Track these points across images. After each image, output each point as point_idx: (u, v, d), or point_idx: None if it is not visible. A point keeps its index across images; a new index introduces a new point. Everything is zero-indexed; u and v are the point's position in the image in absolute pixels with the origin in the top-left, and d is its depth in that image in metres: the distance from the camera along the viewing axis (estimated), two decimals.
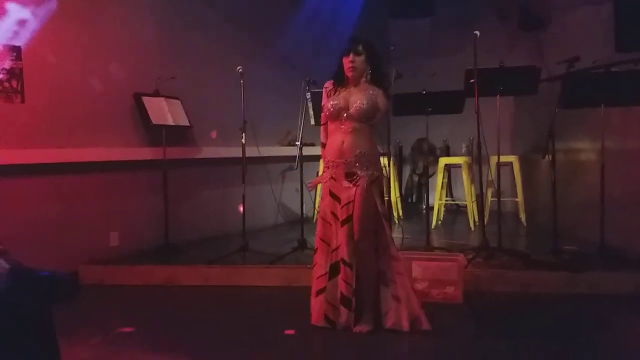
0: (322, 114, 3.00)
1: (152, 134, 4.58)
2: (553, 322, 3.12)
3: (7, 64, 3.75)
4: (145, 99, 4.46)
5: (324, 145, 2.99)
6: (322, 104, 2.99)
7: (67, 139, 4.07)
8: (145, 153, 4.57)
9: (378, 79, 2.95)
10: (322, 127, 3.03)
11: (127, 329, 3.04)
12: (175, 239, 4.58)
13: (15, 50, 3.80)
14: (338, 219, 2.88)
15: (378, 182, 2.91)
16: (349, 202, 2.84)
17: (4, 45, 3.74)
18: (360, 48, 2.86)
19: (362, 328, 2.86)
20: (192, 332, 3.01)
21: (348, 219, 2.84)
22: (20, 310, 1.63)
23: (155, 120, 4.44)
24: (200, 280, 3.98)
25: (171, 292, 3.84)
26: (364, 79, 2.91)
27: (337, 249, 2.89)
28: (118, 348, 2.76)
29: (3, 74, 3.73)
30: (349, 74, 2.89)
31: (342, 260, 2.87)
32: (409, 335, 2.84)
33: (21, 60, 3.82)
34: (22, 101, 3.83)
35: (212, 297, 3.72)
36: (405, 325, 2.82)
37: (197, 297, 3.71)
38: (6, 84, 3.75)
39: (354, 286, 2.87)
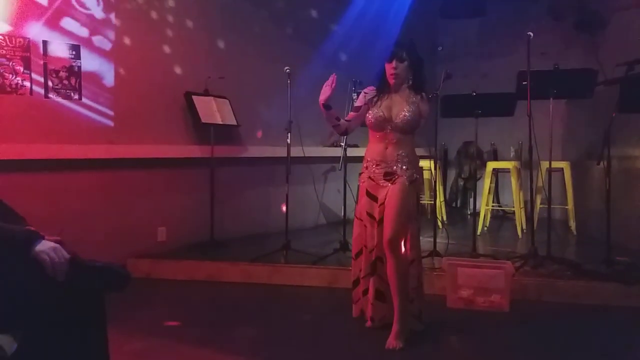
0: (351, 112, 3.06)
1: (201, 132, 4.68)
2: (603, 335, 3.00)
3: (67, 62, 3.91)
4: (195, 98, 4.56)
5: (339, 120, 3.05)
6: (357, 104, 3.02)
7: (120, 136, 4.21)
8: (194, 151, 4.68)
9: (420, 84, 2.92)
10: (349, 115, 3.10)
11: (173, 323, 3.12)
12: (219, 235, 4.66)
13: (75, 49, 3.96)
14: (375, 218, 2.86)
15: (416, 185, 2.89)
16: (385, 202, 2.82)
17: (64, 44, 3.90)
18: (404, 55, 2.85)
19: (394, 344, 2.73)
20: (235, 329, 3.06)
21: (383, 219, 2.82)
22: (77, 298, 1.70)
23: (204, 119, 4.53)
24: (243, 277, 4.03)
25: (215, 287, 3.91)
26: (405, 85, 2.90)
27: (374, 249, 2.87)
28: (164, 341, 2.83)
29: (63, 71, 3.90)
30: (391, 80, 2.88)
31: (378, 257, 2.87)
32: (450, 343, 2.79)
33: (80, 58, 3.98)
34: (80, 98, 3.99)
35: (255, 294, 3.76)
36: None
37: (240, 294, 3.76)
38: (65, 82, 3.91)
39: (386, 281, 2.86)
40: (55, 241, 1.74)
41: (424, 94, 2.90)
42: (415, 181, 2.87)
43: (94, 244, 3.59)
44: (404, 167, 2.82)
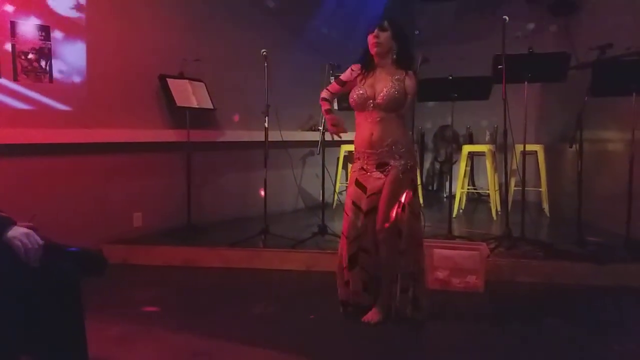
0: (335, 84, 2.97)
1: (176, 116, 4.61)
2: (575, 314, 3.09)
3: (36, 44, 3.80)
4: (170, 81, 4.49)
5: (324, 99, 2.97)
6: (342, 78, 2.92)
7: (92, 120, 4.12)
8: (170, 135, 4.61)
9: (405, 60, 2.82)
10: (331, 85, 3.02)
11: (151, 308, 3.10)
12: (197, 220, 4.63)
13: (44, 30, 3.84)
14: (361, 209, 2.82)
15: (411, 172, 2.81)
16: (375, 193, 2.78)
17: (33, 25, 3.78)
18: (385, 24, 2.75)
19: (372, 317, 2.83)
20: (214, 313, 3.06)
21: (372, 210, 2.79)
22: (52, 284, 1.68)
23: (179, 102, 4.46)
24: (221, 262, 4.02)
25: (193, 273, 3.90)
26: (390, 60, 2.80)
27: (355, 239, 2.83)
28: (143, 327, 2.81)
29: (32, 53, 3.78)
30: (373, 50, 2.77)
31: (361, 248, 2.84)
32: (427, 324, 2.84)
33: (50, 40, 3.86)
34: (50, 81, 3.89)
35: (233, 279, 3.76)
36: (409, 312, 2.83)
37: (218, 279, 3.76)
38: (35, 64, 3.80)
39: (371, 273, 2.87)
40: (28, 227, 1.71)
41: (410, 72, 2.80)
42: (410, 169, 2.80)
43: (69, 229, 3.52)
44: (397, 157, 2.76)
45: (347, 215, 2.87)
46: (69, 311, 1.73)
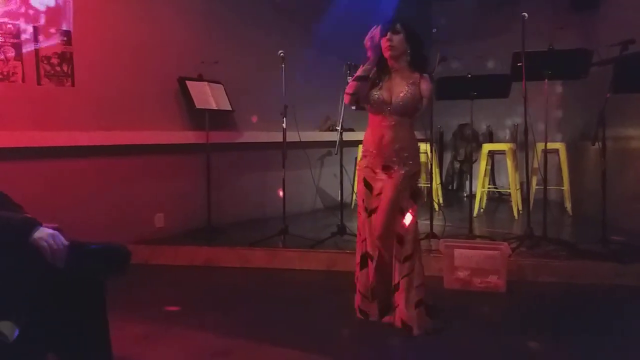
0: (351, 82, 2.76)
1: (195, 118, 4.66)
2: (599, 314, 3.03)
3: (59, 48, 3.87)
4: (189, 83, 4.53)
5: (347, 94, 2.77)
6: (357, 74, 2.77)
7: (113, 122, 4.19)
8: (189, 137, 4.66)
9: (419, 62, 2.80)
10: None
11: (173, 308, 3.14)
12: (217, 221, 4.67)
13: (66, 35, 3.91)
14: (367, 209, 2.82)
15: (413, 179, 2.81)
16: (379, 194, 2.77)
17: (56, 30, 3.86)
18: (398, 26, 2.72)
19: (391, 319, 2.81)
20: (235, 313, 3.08)
21: (374, 211, 2.78)
22: (77, 284, 1.71)
23: (198, 104, 4.50)
24: (241, 262, 4.05)
25: (213, 272, 3.93)
26: (404, 62, 2.78)
27: (363, 241, 2.85)
28: (165, 326, 2.85)
29: (55, 57, 3.86)
30: (387, 54, 2.75)
31: (367, 252, 2.84)
32: (448, 324, 2.82)
33: (71, 44, 3.94)
34: (73, 85, 3.96)
35: (253, 278, 3.78)
36: (398, 323, 2.76)
37: (238, 279, 3.78)
38: (57, 68, 3.88)
39: (374, 278, 2.83)
40: (53, 228, 1.75)
41: (425, 74, 2.78)
42: (413, 176, 2.79)
43: (93, 230, 3.58)
44: (402, 162, 2.74)
45: (360, 214, 2.89)
46: (94, 311, 1.77)
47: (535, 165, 5.08)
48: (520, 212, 5.38)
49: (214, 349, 2.57)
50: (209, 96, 4.63)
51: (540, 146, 4.22)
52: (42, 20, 3.79)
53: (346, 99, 2.78)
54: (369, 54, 2.72)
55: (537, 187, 5.36)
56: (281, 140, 4.38)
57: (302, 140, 4.68)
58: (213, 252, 4.14)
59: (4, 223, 1.72)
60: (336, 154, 4.46)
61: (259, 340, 2.65)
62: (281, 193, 4.45)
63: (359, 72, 2.74)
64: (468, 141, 6.65)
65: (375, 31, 2.69)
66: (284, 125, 4.36)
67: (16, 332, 1.64)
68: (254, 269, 3.98)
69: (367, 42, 2.70)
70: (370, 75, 2.77)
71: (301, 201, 5.69)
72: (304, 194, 5.74)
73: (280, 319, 2.99)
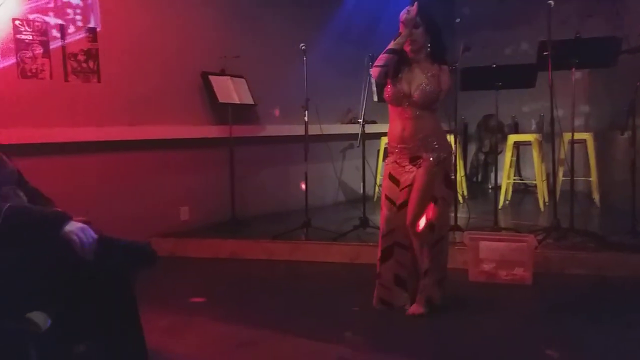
0: (381, 55, 2.73)
1: (219, 112, 4.70)
2: (627, 306, 2.97)
3: (85, 45, 3.94)
4: (212, 78, 4.57)
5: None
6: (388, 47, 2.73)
7: (139, 117, 4.25)
8: (213, 131, 4.71)
9: (439, 53, 2.79)
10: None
11: (199, 299, 3.19)
12: (240, 214, 4.71)
13: (92, 32, 3.98)
14: (394, 203, 2.82)
15: (444, 164, 2.78)
16: (408, 186, 2.76)
17: (82, 27, 3.92)
18: (418, 20, 2.71)
19: (417, 310, 2.82)
20: (259, 304, 3.11)
21: (405, 203, 2.78)
22: (106, 276, 1.75)
23: (221, 98, 4.54)
24: (265, 254, 4.08)
25: (238, 265, 3.98)
26: (424, 54, 2.78)
27: (389, 233, 2.84)
28: (191, 317, 2.90)
29: (81, 54, 3.93)
30: (407, 48, 2.75)
31: (396, 242, 2.84)
32: (472, 316, 2.80)
33: (97, 41, 4.00)
34: (98, 81, 4.03)
35: (277, 271, 3.81)
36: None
37: (262, 271, 3.82)
38: (84, 65, 3.95)
39: (409, 268, 2.86)
40: (82, 222, 1.79)
41: (444, 66, 2.77)
42: (443, 161, 2.77)
43: (119, 224, 3.63)
44: (430, 150, 2.73)
45: (382, 209, 2.88)
46: (123, 302, 1.81)
47: (562, 156, 4.99)
48: (547, 203, 5.30)
49: (239, 339, 2.60)
50: (231, 90, 4.66)
51: (567, 136, 4.14)
52: (69, 18, 3.86)
53: (375, 71, 2.75)
54: (401, 28, 2.72)
55: (563, 178, 5.27)
56: (303, 133, 4.39)
57: (324, 133, 4.69)
58: (237, 245, 4.18)
59: (36, 217, 1.77)
60: (358, 147, 4.45)
61: (283, 331, 2.68)
62: (303, 186, 4.47)
63: (390, 45, 2.74)
64: (493, 132, 6.54)
65: (412, 8, 2.70)
66: (306, 118, 4.36)
67: (48, 323, 1.69)
68: (277, 261, 4.01)
69: (402, 15, 2.71)
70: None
71: (323, 194, 5.70)
72: (326, 186, 5.74)
73: (304, 310, 3.01)
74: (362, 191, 4.69)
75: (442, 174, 2.78)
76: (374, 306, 2.93)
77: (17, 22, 3.62)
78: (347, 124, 5.92)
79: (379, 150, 5.94)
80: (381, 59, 2.74)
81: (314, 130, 4.53)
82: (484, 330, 2.68)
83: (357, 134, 4.41)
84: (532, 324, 2.76)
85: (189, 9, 4.60)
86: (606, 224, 4.58)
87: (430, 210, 2.75)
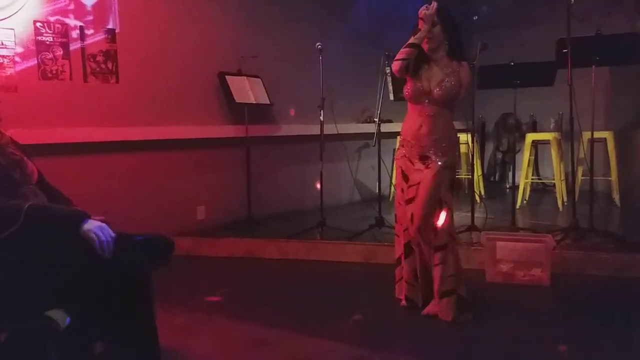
0: (402, 49, 2.72)
1: (235, 112, 4.72)
2: None
3: (104, 46, 3.99)
4: (229, 78, 4.59)
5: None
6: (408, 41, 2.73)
7: (157, 118, 4.29)
8: (229, 131, 4.73)
9: (458, 50, 2.78)
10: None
11: (215, 298, 3.21)
12: (256, 213, 4.73)
13: (110, 33, 4.03)
14: (403, 198, 2.83)
15: (450, 170, 2.78)
16: (415, 184, 2.76)
17: (101, 28, 3.98)
18: (435, 18, 2.70)
19: (432, 310, 2.80)
20: (274, 303, 3.12)
21: (410, 200, 2.77)
22: (123, 275, 1.77)
23: (238, 98, 4.56)
24: (280, 254, 4.09)
25: (253, 264, 3.99)
26: (442, 52, 2.76)
27: (406, 229, 2.85)
28: (206, 316, 2.92)
29: (100, 55, 3.98)
30: (425, 46, 2.74)
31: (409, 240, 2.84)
32: (489, 317, 2.78)
33: (115, 42, 4.05)
34: (117, 82, 4.08)
35: (293, 270, 3.82)
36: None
37: (278, 270, 3.83)
38: (103, 66, 4.00)
39: (419, 268, 2.84)
40: (101, 220, 1.82)
41: (464, 62, 2.77)
42: (451, 166, 2.77)
43: (137, 222, 3.68)
44: (440, 153, 2.73)
45: (399, 204, 2.89)
46: (140, 300, 1.83)
47: (581, 155, 4.91)
48: (565, 203, 5.22)
49: (255, 338, 2.61)
50: (248, 90, 4.68)
51: (586, 135, 4.08)
52: (88, 19, 3.91)
53: (395, 65, 2.74)
54: (420, 25, 2.73)
55: (583, 177, 5.19)
56: (319, 132, 4.39)
57: (339, 132, 4.68)
58: (253, 244, 4.20)
59: (56, 215, 1.80)
60: (374, 146, 4.44)
61: (299, 330, 2.68)
62: (319, 185, 4.47)
63: (410, 40, 2.74)
64: (511, 131, 6.47)
65: (432, 4, 2.71)
66: (322, 117, 4.36)
67: (67, 321, 1.72)
68: (293, 260, 4.02)
69: (421, 12, 2.72)
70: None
71: (338, 193, 5.70)
72: (342, 186, 5.74)
73: (319, 310, 3.01)
74: (377, 190, 4.67)
75: (448, 178, 2.77)
76: (402, 305, 2.92)
77: (38, 24, 3.68)
78: (362, 123, 5.91)
79: (394, 150, 5.91)
80: (402, 52, 2.74)
81: (329, 129, 4.53)
82: (501, 332, 2.65)
83: (373, 133, 4.40)
84: (549, 326, 2.72)
85: (206, 10, 4.62)
86: (626, 224, 4.50)
87: (436, 215, 2.72)
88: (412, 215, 2.76)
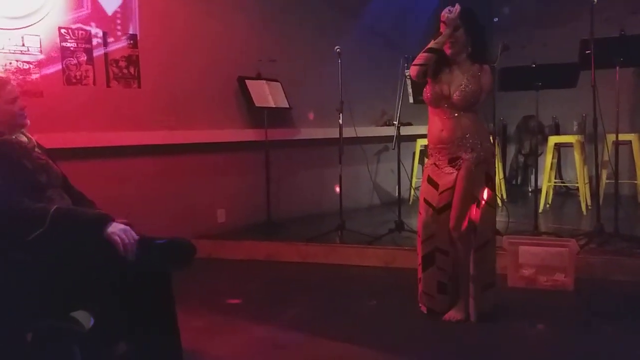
0: (420, 54, 2.70)
1: (254, 116, 4.75)
2: None
3: (126, 52, 4.06)
4: (248, 82, 4.62)
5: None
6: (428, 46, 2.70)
7: (178, 122, 4.34)
8: (249, 134, 4.76)
9: (480, 53, 2.73)
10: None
11: (235, 301, 3.23)
12: (275, 216, 4.74)
13: (132, 38, 4.09)
14: (434, 207, 2.76)
15: (485, 164, 2.72)
16: (448, 189, 2.71)
17: (123, 34, 4.04)
18: (458, 22, 2.65)
19: (453, 316, 2.77)
20: (294, 307, 3.12)
21: (445, 207, 2.72)
22: (146, 276, 1.79)
23: (257, 102, 4.59)
24: (299, 257, 4.10)
25: (273, 267, 4.00)
26: (464, 55, 2.72)
27: (429, 238, 2.79)
28: (227, 318, 2.93)
29: (122, 61, 4.04)
30: (448, 51, 2.70)
31: (437, 248, 2.78)
32: (511, 323, 2.74)
33: (137, 47, 4.11)
34: (139, 86, 4.14)
35: (312, 273, 3.81)
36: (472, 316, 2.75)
37: (297, 273, 3.83)
38: (125, 71, 4.06)
39: (449, 273, 2.79)
40: (124, 223, 1.84)
41: (486, 66, 2.72)
42: (483, 161, 2.70)
43: (159, 226, 3.72)
44: (468, 149, 2.68)
45: (420, 214, 2.84)
46: (163, 301, 1.85)
47: (606, 157, 4.82)
48: (589, 207, 5.12)
49: (275, 341, 2.62)
50: (267, 94, 4.71)
51: (610, 138, 4.00)
52: (111, 25, 3.98)
53: (413, 70, 2.71)
54: (442, 28, 2.68)
55: (607, 181, 5.09)
56: (337, 136, 4.39)
57: (358, 135, 4.67)
58: (273, 247, 4.21)
59: (80, 218, 1.83)
60: (393, 149, 4.42)
61: (319, 334, 2.68)
62: (338, 189, 4.46)
63: (430, 44, 2.70)
64: (533, 133, 6.38)
65: (455, 7, 2.66)
66: (340, 121, 4.36)
67: (91, 322, 1.75)
68: (312, 264, 4.01)
69: (443, 15, 2.67)
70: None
71: (358, 197, 5.68)
72: (361, 189, 5.72)
73: (339, 313, 3.00)
74: (397, 194, 4.64)
75: (483, 174, 2.72)
76: (422, 312, 2.89)
77: (62, 31, 3.75)
78: (382, 126, 5.90)
79: (414, 153, 5.88)
80: (420, 57, 2.70)
81: (348, 132, 4.53)
82: (523, 338, 2.61)
83: (392, 136, 4.38)
84: (573, 332, 2.67)
85: (226, 15, 4.67)
86: None
87: (473, 212, 2.70)
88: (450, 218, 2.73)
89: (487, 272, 2.76)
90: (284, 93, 4.86)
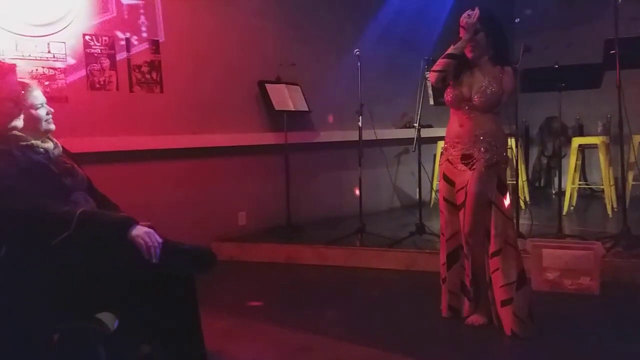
0: (440, 60, 2.69)
1: (274, 119, 4.77)
2: None
3: (148, 57, 4.12)
4: (268, 86, 4.65)
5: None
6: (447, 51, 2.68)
7: (200, 126, 4.39)
8: (269, 138, 4.79)
9: (502, 55, 2.70)
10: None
11: (256, 303, 3.24)
12: (296, 219, 4.76)
13: (155, 44, 4.15)
14: (454, 204, 2.73)
15: (496, 169, 2.65)
16: (463, 187, 2.67)
17: (146, 39, 4.10)
18: (478, 25, 2.62)
19: (476, 320, 2.73)
20: (315, 309, 3.13)
21: (463, 205, 2.68)
22: (170, 279, 1.81)
23: (277, 106, 4.61)
24: (319, 260, 4.10)
25: (293, 269, 4.01)
26: (486, 58, 2.68)
27: (453, 236, 2.77)
28: (249, 320, 2.95)
29: (145, 66, 4.11)
30: (469, 55, 2.67)
31: (461, 245, 2.75)
32: (538, 326, 2.69)
33: (159, 53, 4.17)
34: (161, 91, 4.20)
35: (332, 276, 3.81)
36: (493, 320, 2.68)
37: (317, 276, 3.83)
38: (147, 76, 4.12)
39: (470, 275, 2.75)
40: (148, 226, 1.87)
41: (507, 67, 2.67)
42: (495, 165, 2.64)
43: (181, 229, 3.77)
44: (482, 149, 2.63)
45: (442, 212, 2.82)
46: (186, 304, 1.87)
47: (632, 159, 4.73)
48: (615, 209, 5.02)
49: (296, 344, 2.62)
50: (287, 98, 4.73)
51: (636, 139, 3.93)
52: (133, 31, 4.05)
53: (432, 76, 2.70)
54: (462, 33, 2.66)
55: (633, 182, 4.99)
56: (357, 138, 4.38)
57: (378, 138, 4.66)
58: (293, 250, 4.22)
59: (105, 221, 1.86)
60: (414, 152, 4.40)
61: (340, 337, 2.67)
62: (357, 191, 4.46)
63: (449, 50, 2.68)
64: (556, 135, 6.29)
65: (474, 12, 2.63)
66: (360, 123, 4.36)
67: (116, 324, 1.78)
68: (332, 267, 4.01)
69: (462, 20, 2.65)
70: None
71: (378, 200, 5.66)
72: (381, 192, 5.70)
73: (360, 316, 3.00)
74: (417, 197, 4.62)
75: (495, 177, 2.66)
76: (444, 315, 2.84)
77: (87, 37, 3.83)
78: (402, 128, 5.87)
79: (435, 155, 5.84)
80: (439, 63, 2.69)
81: (368, 135, 4.52)
82: (547, 343, 2.57)
83: (413, 138, 4.36)
84: (598, 337, 2.62)
85: (246, 20, 4.70)
86: None
87: (487, 217, 2.63)
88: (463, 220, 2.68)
89: (508, 278, 2.59)
90: (304, 96, 4.88)
